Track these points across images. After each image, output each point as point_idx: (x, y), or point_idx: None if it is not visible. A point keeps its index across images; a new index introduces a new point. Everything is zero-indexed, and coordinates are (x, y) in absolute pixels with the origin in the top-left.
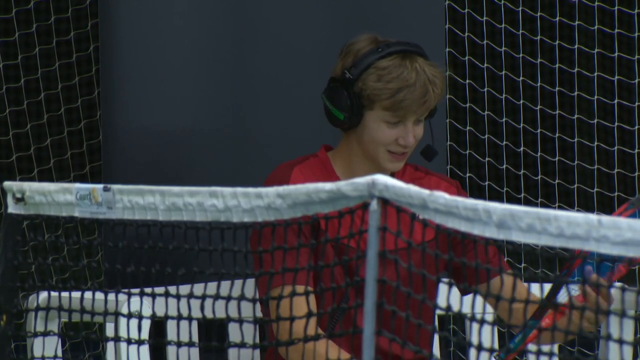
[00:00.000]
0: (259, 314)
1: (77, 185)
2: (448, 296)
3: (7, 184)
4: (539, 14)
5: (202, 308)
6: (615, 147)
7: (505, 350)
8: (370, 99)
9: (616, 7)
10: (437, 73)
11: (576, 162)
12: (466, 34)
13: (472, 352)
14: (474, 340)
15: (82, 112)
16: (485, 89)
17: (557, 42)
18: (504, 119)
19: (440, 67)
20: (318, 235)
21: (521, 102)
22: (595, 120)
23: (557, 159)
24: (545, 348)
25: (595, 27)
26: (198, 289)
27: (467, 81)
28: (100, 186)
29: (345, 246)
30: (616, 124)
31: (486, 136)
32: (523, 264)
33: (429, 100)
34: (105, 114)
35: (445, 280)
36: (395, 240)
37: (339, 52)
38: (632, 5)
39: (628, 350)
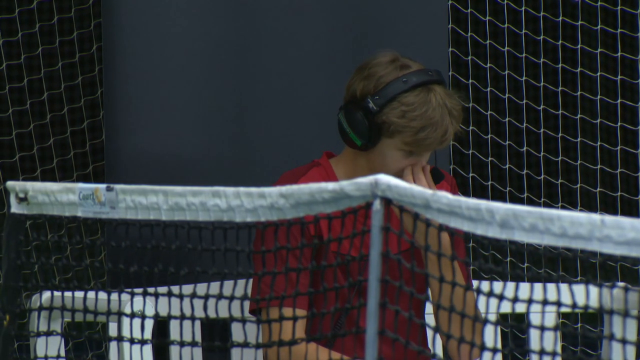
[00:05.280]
0: None
1: (80, 185)
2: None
3: (10, 183)
4: (542, 13)
5: (205, 308)
6: (618, 147)
7: None
8: (392, 132)
9: (619, 7)
10: (456, 104)
11: (579, 161)
12: (469, 34)
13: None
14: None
15: (85, 112)
16: (488, 89)
17: (560, 42)
18: (506, 119)
19: (458, 94)
20: (319, 248)
21: (524, 102)
22: (598, 120)
23: (560, 158)
24: (548, 348)
25: (598, 27)
26: (201, 288)
27: (470, 81)
28: (103, 186)
29: (346, 257)
30: (619, 123)
31: (489, 136)
32: (526, 264)
33: (448, 138)
34: (108, 113)
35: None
36: (397, 240)
37: (358, 69)
38: (635, 5)
39: (631, 350)
